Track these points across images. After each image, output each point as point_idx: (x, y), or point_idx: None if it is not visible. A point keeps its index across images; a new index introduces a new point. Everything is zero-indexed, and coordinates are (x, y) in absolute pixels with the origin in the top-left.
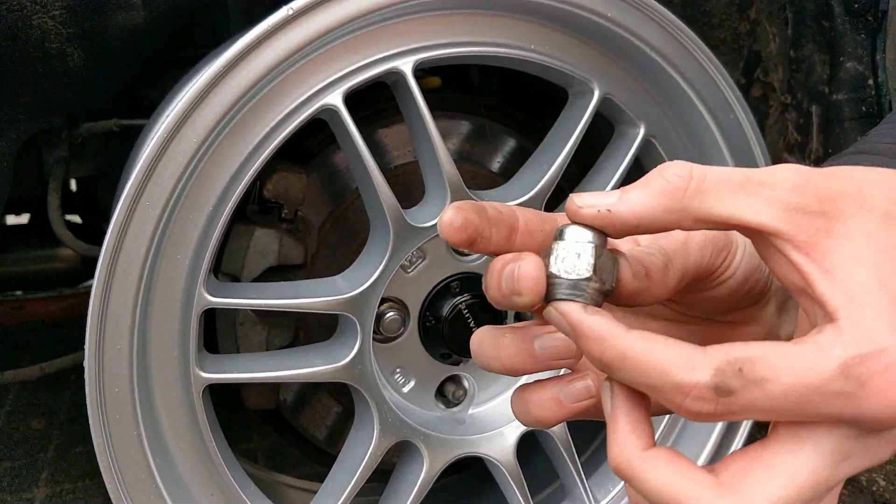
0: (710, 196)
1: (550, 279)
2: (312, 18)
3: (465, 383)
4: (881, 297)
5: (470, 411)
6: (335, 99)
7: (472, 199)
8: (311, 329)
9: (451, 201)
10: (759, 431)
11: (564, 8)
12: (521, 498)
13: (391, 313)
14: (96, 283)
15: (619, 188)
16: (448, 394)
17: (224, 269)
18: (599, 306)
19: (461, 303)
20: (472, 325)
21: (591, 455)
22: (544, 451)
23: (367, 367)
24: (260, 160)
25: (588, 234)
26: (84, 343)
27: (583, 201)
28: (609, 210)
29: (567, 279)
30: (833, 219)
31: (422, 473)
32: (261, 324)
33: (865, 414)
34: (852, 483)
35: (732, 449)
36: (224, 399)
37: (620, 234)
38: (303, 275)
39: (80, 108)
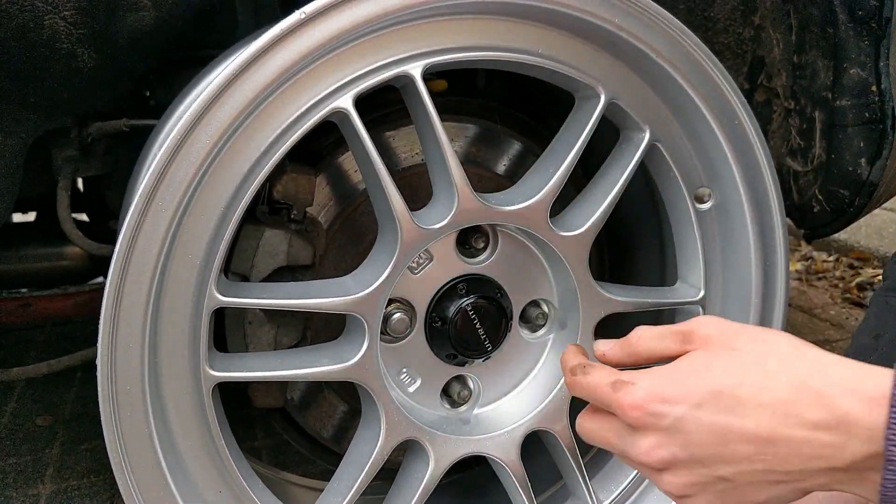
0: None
1: None
2: (324, 22)
3: (471, 383)
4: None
5: (475, 411)
6: (346, 102)
7: (479, 202)
8: (319, 329)
9: (459, 204)
10: None
11: (572, 14)
12: (524, 497)
13: (398, 314)
14: (109, 282)
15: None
16: (453, 394)
17: (234, 268)
18: None
19: (467, 304)
20: (477, 326)
21: (595, 455)
22: (548, 452)
23: (374, 366)
24: (271, 162)
25: None
26: (91, 341)
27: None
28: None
29: None
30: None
31: (427, 472)
32: (269, 323)
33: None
34: None
35: None
36: (228, 397)
37: None
38: (311, 275)
39: (89, 107)
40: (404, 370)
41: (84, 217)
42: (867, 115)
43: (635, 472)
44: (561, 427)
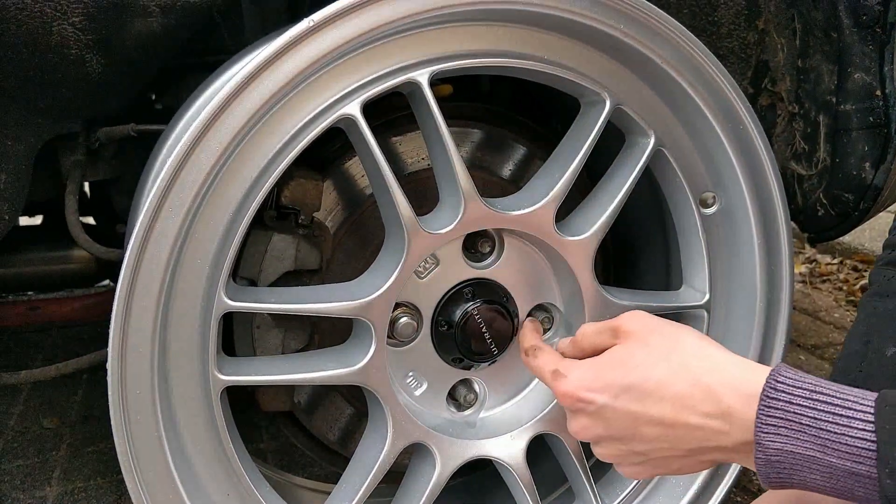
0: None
1: None
2: (333, 30)
3: (477, 387)
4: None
5: (481, 415)
6: (353, 108)
7: (486, 207)
8: (326, 333)
9: (465, 209)
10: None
11: (577, 20)
12: (530, 501)
13: (405, 318)
14: (120, 286)
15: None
16: (459, 397)
17: (242, 273)
18: None
19: (473, 308)
20: (483, 330)
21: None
22: (553, 455)
23: (381, 370)
24: (280, 168)
25: None
26: (98, 344)
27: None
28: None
29: None
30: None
31: (434, 475)
32: (277, 327)
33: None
34: None
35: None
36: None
37: None
38: (319, 280)
39: (97, 112)
40: (411, 374)
41: (91, 221)
42: (871, 119)
43: None
44: (566, 431)
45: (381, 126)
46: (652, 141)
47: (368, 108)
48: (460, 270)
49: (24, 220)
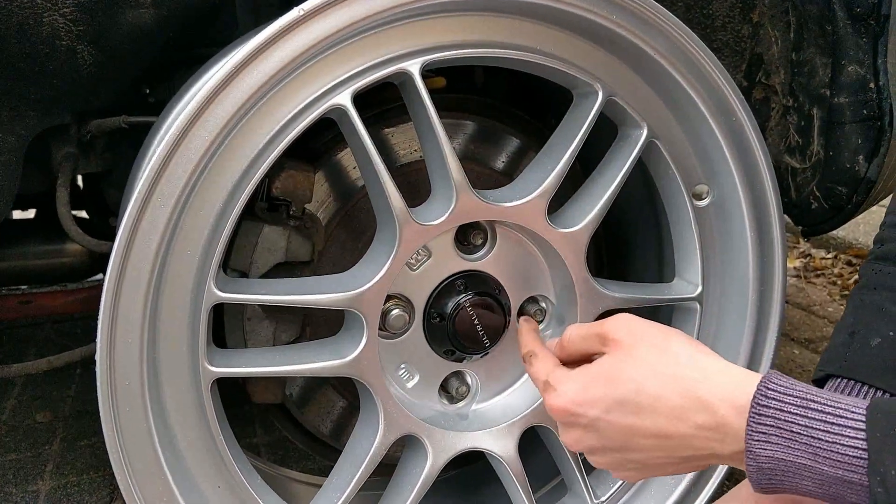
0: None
1: None
2: (323, 19)
3: (469, 379)
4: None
5: (473, 407)
6: (344, 99)
7: (478, 199)
8: (318, 325)
9: (457, 200)
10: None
11: (570, 11)
12: (522, 493)
13: (396, 310)
14: (108, 277)
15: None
16: (452, 389)
17: (232, 265)
18: None
19: (465, 300)
20: (476, 322)
21: None
22: (546, 447)
23: (372, 362)
24: (270, 158)
25: None
26: (91, 337)
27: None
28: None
29: None
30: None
31: (425, 468)
32: (268, 319)
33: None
34: None
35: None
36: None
37: None
38: (310, 271)
39: (89, 105)
40: (403, 366)
41: (84, 214)
42: (865, 111)
43: None
44: None
45: (374, 117)
46: (645, 133)
47: (361, 100)
48: (452, 262)
49: (18, 214)
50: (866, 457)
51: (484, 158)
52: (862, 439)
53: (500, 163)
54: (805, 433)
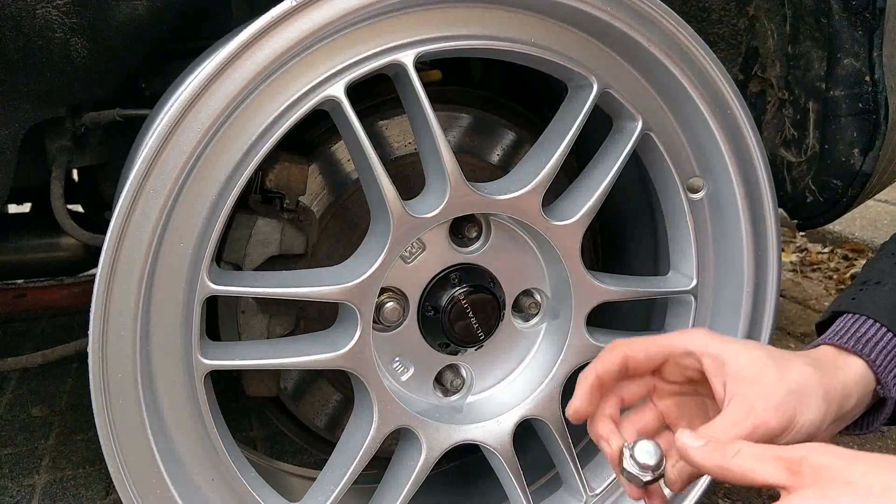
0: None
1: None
2: (315, 10)
3: (463, 372)
4: None
5: (468, 399)
6: (337, 90)
7: (472, 191)
8: (312, 318)
9: (452, 193)
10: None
11: (565, 3)
12: (517, 486)
13: (391, 303)
14: (100, 270)
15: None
16: (446, 382)
17: (226, 257)
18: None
19: (460, 293)
20: (470, 315)
21: (587, 444)
22: (540, 440)
23: (366, 355)
24: (263, 150)
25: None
26: (87, 331)
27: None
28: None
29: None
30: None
31: (420, 460)
32: (262, 312)
33: None
34: None
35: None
36: (223, 389)
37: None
38: (304, 264)
39: (83, 97)
40: (397, 359)
41: (79, 208)
42: (860, 105)
43: None
44: (553, 415)
45: (368, 110)
46: (640, 125)
47: (356, 92)
48: (447, 255)
49: (13, 208)
50: None
51: (479, 151)
52: None
53: (495, 155)
54: None
